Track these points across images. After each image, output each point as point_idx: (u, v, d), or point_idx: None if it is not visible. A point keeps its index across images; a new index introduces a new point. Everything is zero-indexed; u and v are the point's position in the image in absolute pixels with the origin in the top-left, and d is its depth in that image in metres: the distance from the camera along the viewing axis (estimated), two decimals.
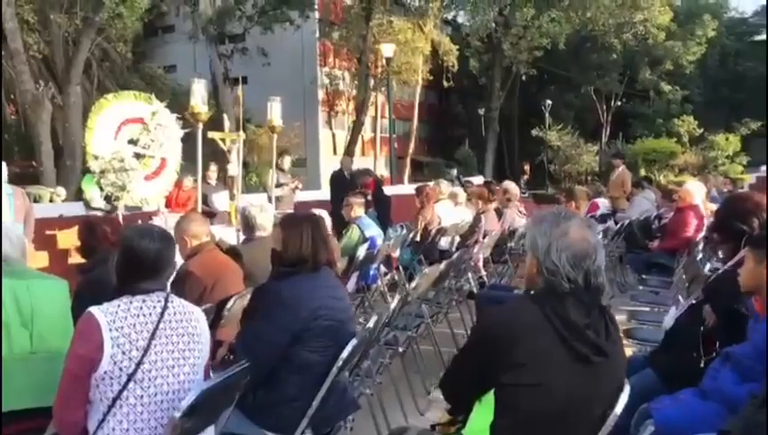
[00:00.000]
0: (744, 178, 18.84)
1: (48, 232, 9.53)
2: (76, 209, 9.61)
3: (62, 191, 11.77)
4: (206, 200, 10.50)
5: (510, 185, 7.78)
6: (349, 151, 28.12)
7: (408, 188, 18.34)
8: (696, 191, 6.56)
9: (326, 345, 2.56)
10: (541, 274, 1.89)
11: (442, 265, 4.94)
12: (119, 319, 2.03)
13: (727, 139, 30.69)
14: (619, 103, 32.36)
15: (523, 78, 28.42)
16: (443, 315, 5.34)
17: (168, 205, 10.39)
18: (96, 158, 9.10)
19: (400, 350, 4.19)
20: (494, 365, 1.81)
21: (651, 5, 24.84)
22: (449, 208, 8.05)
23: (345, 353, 2.51)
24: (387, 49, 17.38)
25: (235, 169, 9.52)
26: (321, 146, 34.29)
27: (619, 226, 7.69)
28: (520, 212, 7.70)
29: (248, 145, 29.83)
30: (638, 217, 8.62)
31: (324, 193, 15.78)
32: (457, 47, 29.18)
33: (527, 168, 28.69)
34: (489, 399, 1.88)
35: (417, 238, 7.33)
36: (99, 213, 9.35)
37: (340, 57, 33.11)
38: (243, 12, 28.64)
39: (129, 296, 2.09)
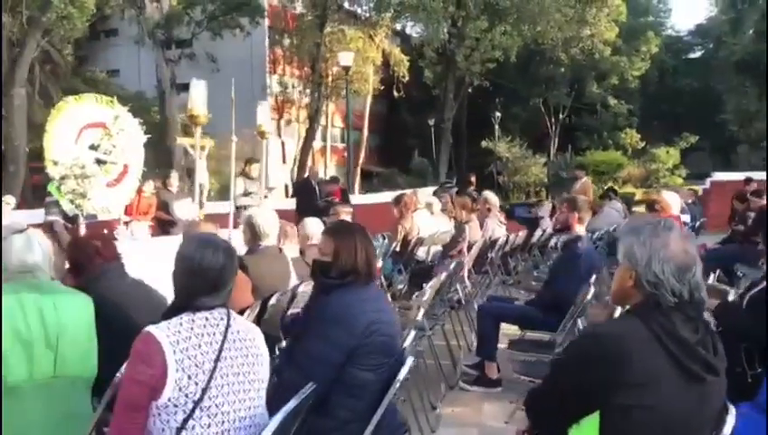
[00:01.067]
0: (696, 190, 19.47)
1: None
2: (37, 217, 9.10)
3: (11, 199, 11.11)
4: (166, 208, 10.16)
5: (490, 195, 7.76)
6: (302, 160, 27.88)
7: (363, 198, 18.23)
8: (674, 202, 6.66)
9: (380, 363, 2.40)
10: (639, 287, 1.80)
11: (443, 276, 4.85)
12: (182, 339, 1.82)
13: (668, 152, 31.77)
14: (567, 116, 33.17)
15: (470, 90, 28.77)
16: (440, 327, 5.26)
17: (128, 213, 9.98)
18: (55, 163, 8.68)
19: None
20: (603, 385, 1.70)
21: (598, 21, 25.49)
22: (426, 218, 7.97)
23: (404, 372, 2.36)
24: (344, 57, 17.26)
25: (204, 176, 9.23)
26: (268, 154, 33.79)
27: (592, 238, 7.73)
28: (500, 223, 7.67)
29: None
30: (608, 229, 8.73)
31: (287, 202, 15.52)
32: (408, 58, 29.34)
33: (473, 179, 28.93)
34: (591, 422, 1.77)
35: (398, 249, 7.22)
36: (57, 218, 8.93)
37: (291, 65, 32.80)
38: (191, 17, 28.06)
39: (191, 314, 1.89)
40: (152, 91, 32.00)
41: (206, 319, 1.90)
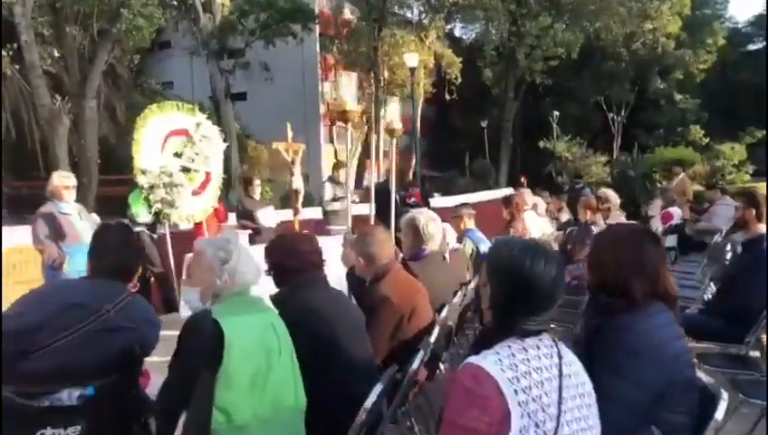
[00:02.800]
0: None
1: None
2: None
3: (95, 217, 11.00)
4: (250, 216, 9.86)
5: (609, 193, 7.21)
6: (360, 165, 27.60)
7: (442, 201, 17.72)
8: None
9: (692, 402, 1.94)
10: None
11: None
12: (521, 375, 1.40)
13: (732, 148, 30.53)
14: (628, 113, 32.05)
15: (524, 88, 28.11)
16: None
17: (210, 222, 9.74)
18: (144, 172, 8.48)
19: None
20: None
21: (660, 15, 24.63)
22: (534, 219, 7.51)
23: (721, 411, 1.89)
24: (410, 59, 16.86)
25: (299, 181, 8.91)
26: (323, 161, 33.65)
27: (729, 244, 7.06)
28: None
29: (248, 160, 29.22)
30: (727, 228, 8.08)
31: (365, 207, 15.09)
32: (460, 59, 28.87)
33: (523, 179, 28.26)
34: None
35: None
36: (143, 229, 8.74)
37: (343, 71, 32.62)
38: (244, 26, 28.11)
39: (518, 341, 1.48)
40: (206, 102, 32.26)
41: (538, 347, 1.48)
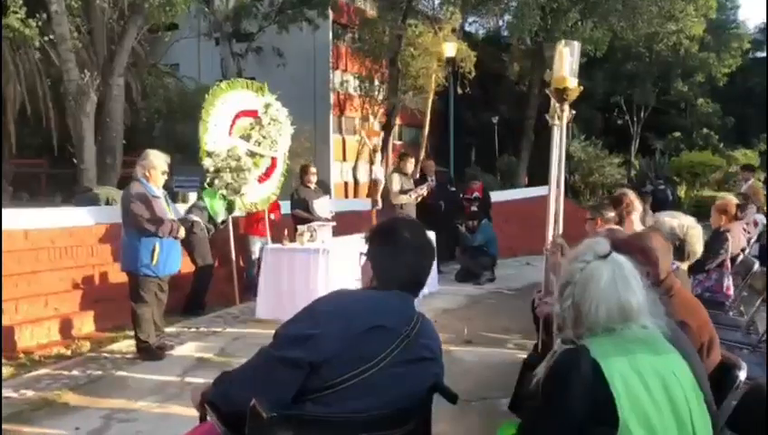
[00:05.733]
0: None
1: None
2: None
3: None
4: (305, 206, 9.28)
5: (730, 197, 6.71)
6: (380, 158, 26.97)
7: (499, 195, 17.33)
8: None
9: None
10: None
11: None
12: None
13: (745, 154, 30.38)
14: (647, 115, 31.69)
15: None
16: None
17: (271, 211, 9.16)
18: (210, 155, 7.89)
19: None
20: None
21: (685, 16, 24.26)
22: (638, 222, 7.01)
23: None
24: (449, 48, 16.28)
25: (380, 171, 8.34)
26: (331, 151, 33.00)
27: None
28: (744, 230, 6.59)
29: None
30: None
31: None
32: (475, 53, 28.32)
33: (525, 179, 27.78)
34: None
35: None
36: (199, 219, 8.17)
37: (354, 61, 31.92)
38: (258, 10, 27.42)
39: None
40: (213, 86, 31.42)
41: None
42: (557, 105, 3.62)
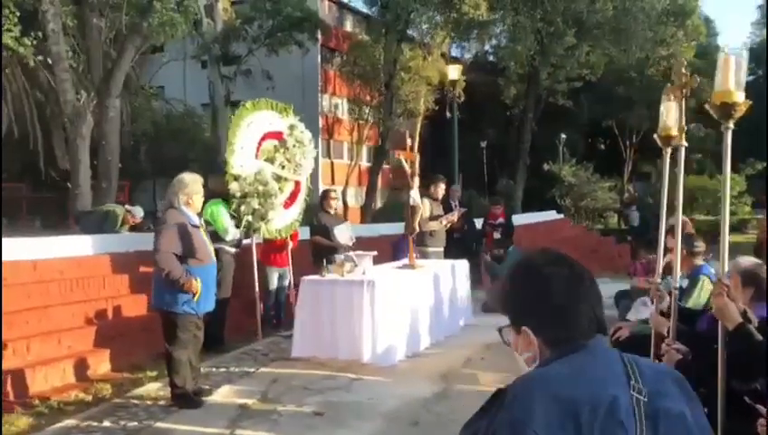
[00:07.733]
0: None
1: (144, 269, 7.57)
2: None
3: (138, 211, 9.63)
4: (325, 233, 8.76)
5: None
6: (371, 181, 26.61)
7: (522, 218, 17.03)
8: None
9: None
10: None
11: None
12: None
13: (733, 178, 30.47)
14: (639, 139, 31.71)
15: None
16: None
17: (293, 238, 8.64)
18: (236, 179, 7.36)
19: None
20: None
21: (676, 41, 24.43)
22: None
23: None
24: (453, 71, 16.02)
25: (417, 196, 7.84)
26: (320, 175, 32.56)
27: None
28: None
29: None
30: None
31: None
32: (464, 77, 28.25)
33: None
34: None
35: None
36: (223, 247, 7.47)
37: (343, 84, 31.65)
38: (248, 33, 27.05)
39: None
40: (198, 109, 30.85)
41: None
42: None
